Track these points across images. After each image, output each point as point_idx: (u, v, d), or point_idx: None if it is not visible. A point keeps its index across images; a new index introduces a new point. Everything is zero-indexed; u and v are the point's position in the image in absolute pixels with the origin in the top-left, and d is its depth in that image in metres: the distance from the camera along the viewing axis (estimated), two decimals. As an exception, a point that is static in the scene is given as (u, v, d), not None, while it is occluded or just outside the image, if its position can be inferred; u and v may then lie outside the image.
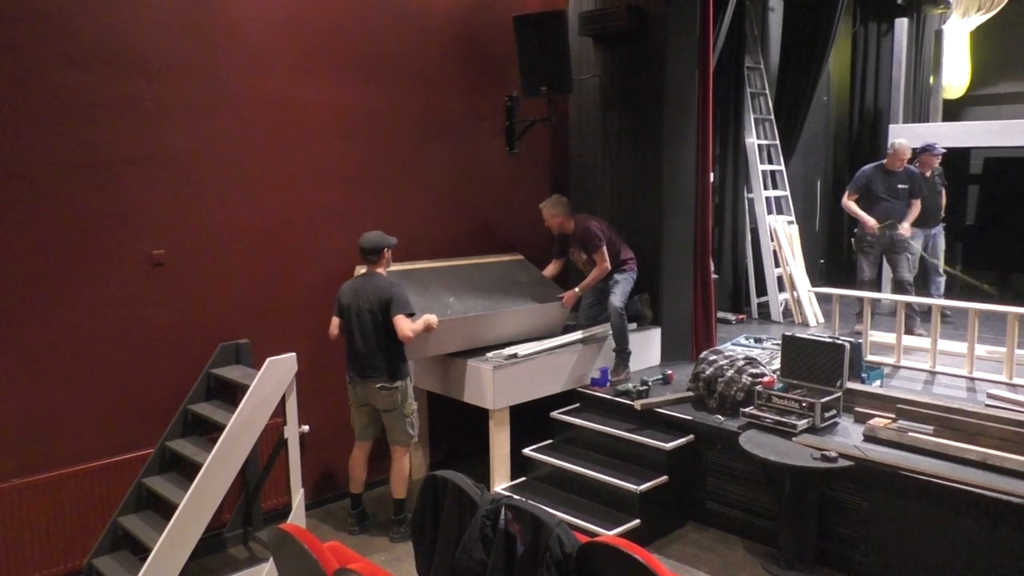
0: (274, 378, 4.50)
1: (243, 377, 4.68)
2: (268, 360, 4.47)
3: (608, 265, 5.73)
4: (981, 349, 5.75)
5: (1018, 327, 5.48)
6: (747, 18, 7.80)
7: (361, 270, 5.10)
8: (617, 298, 5.67)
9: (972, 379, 5.65)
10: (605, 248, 5.70)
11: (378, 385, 4.84)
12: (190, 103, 4.76)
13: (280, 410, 4.65)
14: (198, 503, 4.14)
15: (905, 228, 6.77)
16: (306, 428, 4.87)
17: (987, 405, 4.91)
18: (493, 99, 6.35)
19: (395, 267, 5.25)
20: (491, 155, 6.42)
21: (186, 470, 4.51)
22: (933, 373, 5.82)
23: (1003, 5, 9.51)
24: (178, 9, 4.67)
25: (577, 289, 5.81)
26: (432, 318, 4.90)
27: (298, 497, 4.76)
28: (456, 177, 6.22)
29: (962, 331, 5.74)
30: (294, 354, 4.61)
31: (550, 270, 6.12)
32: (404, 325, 4.72)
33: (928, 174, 7.45)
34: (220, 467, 4.25)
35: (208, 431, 4.65)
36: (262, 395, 4.44)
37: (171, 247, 4.74)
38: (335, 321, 4.96)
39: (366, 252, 4.88)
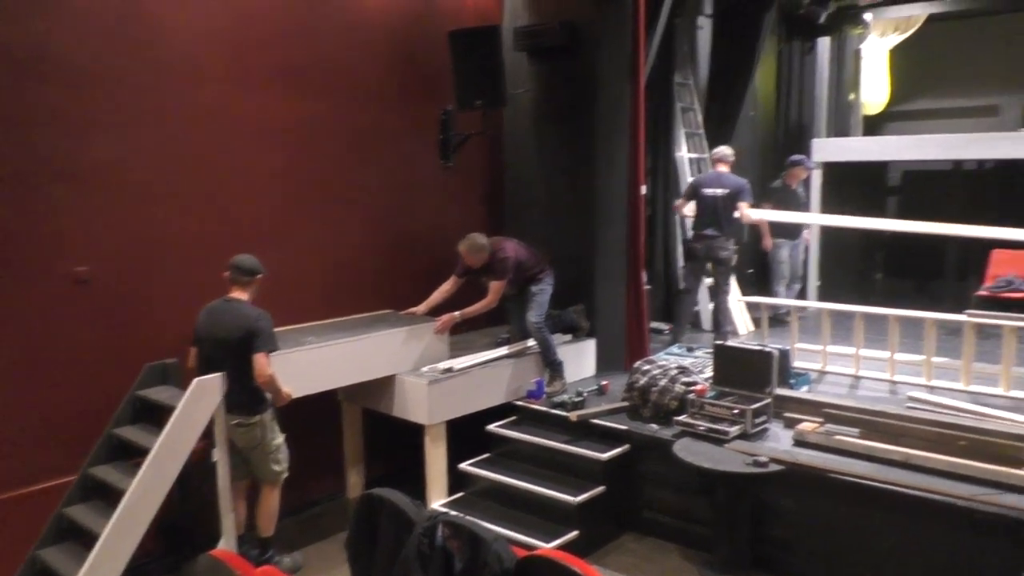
0: (202, 399, 4.35)
1: (171, 399, 4.52)
2: (195, 380, 4.33)
3: (495, 302, 5.62)
4: (901, 354, 5.96)
5: (936, 332, 5.71)
6: (677, 35, 7.97)
7: None
8: (533, 314, 5.66)
9: (894, 383, 5.85)
10: (505, 283, 5.60)
11: (234, 422, 4.47)
12: (117, 114, 4.64)
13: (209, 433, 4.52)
14: (122, 532, 3.98)
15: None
16: (220, 453, 4.55)
17: (908, 407, 5.09)
18: (429, 112, 6.33)
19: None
20: (427, 168, 6.40)
21: (110, 498, 4.31)
22: (857, 378, 6.02)
23: (918, 26, 9.97)
24: (105, 16, 4.54)
25: (457, 315, 5.59)
26: (289, 390, 4.53)
27: (228, 522, 4.61)
28: (392, 189, 6.18)
29: (883, 336, 5.95)
30: (222, 374, 4.49)
31: (445, 287, 5.75)
32: (264, 364, 4.33)
33: (794, 186, 7.86)
34: (145, 493, 4.09)
35: (134, 456, 4.47)
36: (189, 417, 4.29)
37: (96, 264, 4.59)
38: (192, 352, 4.58)
39: (241, 271, 4.47)
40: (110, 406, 4.62)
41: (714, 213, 6.82)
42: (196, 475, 4.74)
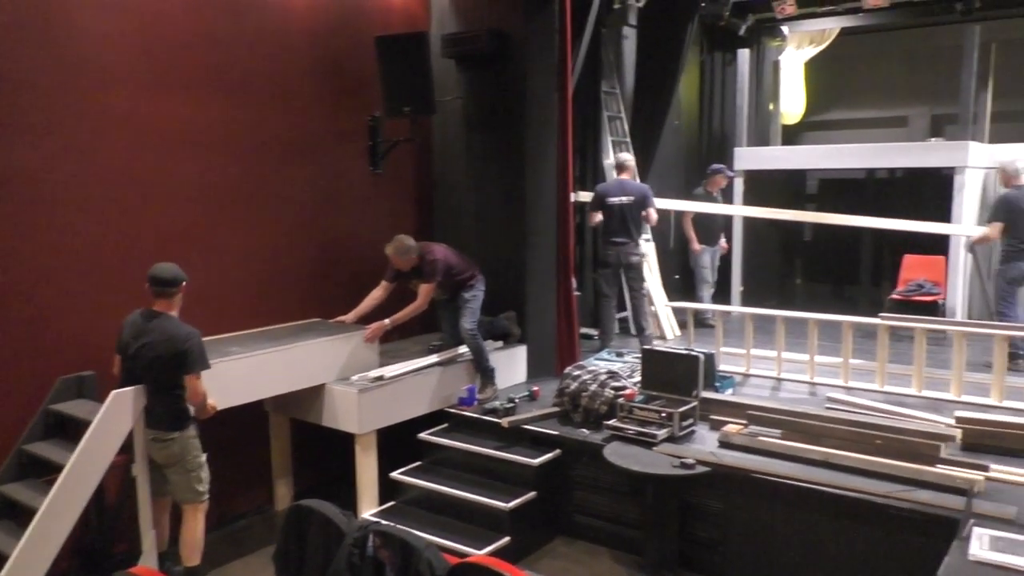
0: (119, 413, 4.18)
1: (87, 413, 4.33)
2: (112, 393, 4.17)
3: (424, 305, 5.60)
4: (821, 356, 6.18)
5: (852, 335, 5.94)
6: (603, 45, 8.10)
7: None
8: (467, 320, 5.67)
9: (814, 384, 6.05)
10: (434, 285, 5.58)
11: (151, 436, 4.28)
12: (27, 119, 4.44)
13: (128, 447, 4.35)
14: (33, 552, 3.80)
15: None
16: (139, 468, 4.37)
17: (827, 408, 5.28)
18: (356, 119, 6.26)
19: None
20: (354, 175, 6.32)
21: (20, 517, 4.11)
22: (779, 380, 6.21)
23: (832, 39, 10.38)
24: (13, 19, 4.34)
25: (387, 322, 5.53)
26: (213, 402, 4.36)
27: (148, 539, 4.45)
28: (318, 197, 6.08)
29: (803, 339, 6.16)
30: (141, 386, 4.32)
31: (376, 294, 5.68)
32: (198, 385, 4.19)
33: (714, 193, 8.35)
34: (58, 511, 3.92)
35: (46, 473, 4.27)
36: (106, 431, 4.12)
37: (5, 272, 4.38)
38: (116, 359, 4.34)
39: (163, 283, 4.18)
40: (21, 421, 4.42)
41: (622, 220, 6.94)
42: (116, 491, 4.57)
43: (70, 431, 4.46)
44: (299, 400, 5.36)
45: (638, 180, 8.17)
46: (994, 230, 6.54)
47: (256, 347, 5.00)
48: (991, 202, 7.44)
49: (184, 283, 4.32)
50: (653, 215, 7.07)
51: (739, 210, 8.79)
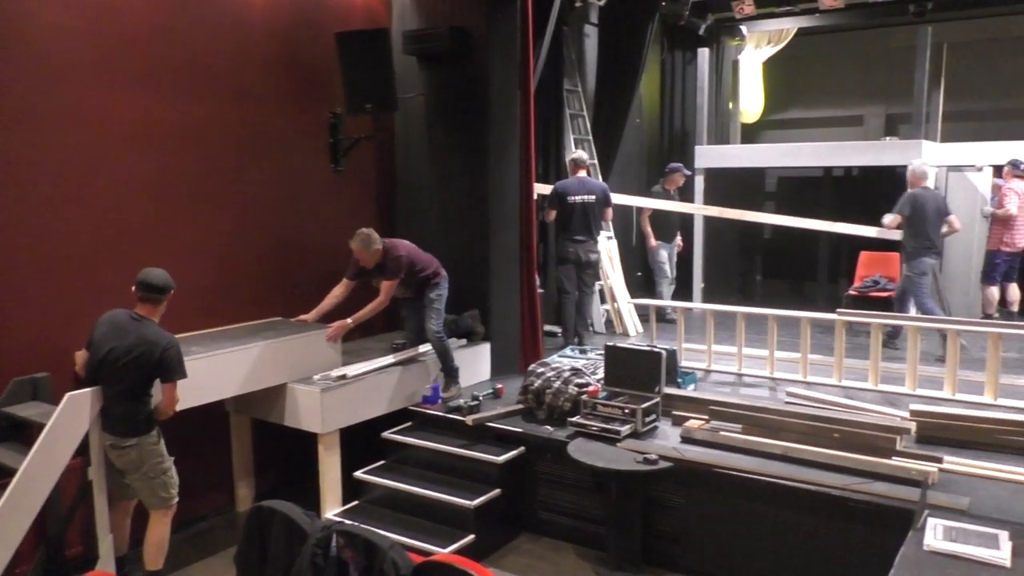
0: (74, 415, 4.09)
1: (41, 415, 4.24)
2: (67, 396, 4.07)
3: (386, 302, 5.56)
4: (780, 352, 6.27)
5: (810, 331, 6.04)
6: (565, 43, 8.13)
7: None
8: (433, 322, 5.64)
9: (773, 379, 6.15)
10: (396, 282, 5.54)
11: (109, 442, 4.17)
12: (-29, 113, 4.32)
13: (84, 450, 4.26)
14: (-14, 558, 3.71)
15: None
16: (95, 472, 4.26)
17: (786, 402, 5.36)
18: (317, 116, 6.20)
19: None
20: (315, 172, 6.26)
21: (-28, 523, 4.02)
22: (740, 375, 6.29)
23: (790, 39, 10.54)
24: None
25: (349, 320, 5.49)
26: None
27: (105, 543, 4.36)
28: (278, 194, 6.01)
29: (763, 335, 6.25)
30: (98, 388, 4.24)
31: (337, 292, 5.61)
32: (175, 396, 4.18)
33: (672, 191, 8.52)
34: (11, 516, 3.82)
35: (-1, 477, 4.18)
36: (60, 434, 4.02)
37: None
38: (82, 355, 4.27)
39: (153, 289, 4.15)
40: (-30, 425, 4.31)
41: (584, 218, 6.98)
42: (73, 494, 4.46)
43: (24, 434, 4.35)
44: (260, 400, 5.29)
45: (599, 178, 8.24)
46: (892, 220, 7.09)
47: (216, 347, 4.92)
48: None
49: (172, 291, 4.25)
50: (610, 213, 7.26)
51: (696, 208, 8.85)
